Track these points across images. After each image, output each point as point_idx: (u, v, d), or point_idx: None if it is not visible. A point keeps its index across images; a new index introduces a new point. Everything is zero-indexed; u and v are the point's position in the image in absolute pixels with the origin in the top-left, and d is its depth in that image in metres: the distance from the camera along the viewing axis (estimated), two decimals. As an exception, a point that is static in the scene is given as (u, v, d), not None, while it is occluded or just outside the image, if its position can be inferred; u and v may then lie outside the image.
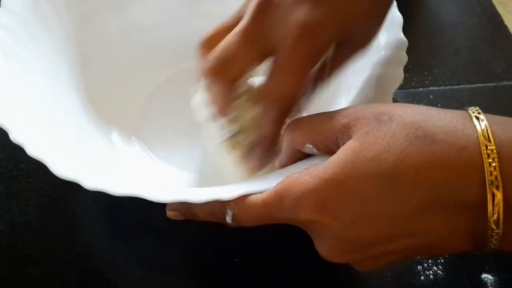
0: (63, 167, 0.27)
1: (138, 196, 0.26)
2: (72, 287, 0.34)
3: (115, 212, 0.37)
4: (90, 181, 0.27)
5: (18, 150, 0.40)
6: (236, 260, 0.35)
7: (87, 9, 0.39)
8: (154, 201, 0.26)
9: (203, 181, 0.37)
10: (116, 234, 0.37)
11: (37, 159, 0.27)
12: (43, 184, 0.38)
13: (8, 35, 0.33)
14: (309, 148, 0.26)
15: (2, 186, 0.38)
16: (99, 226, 0.37)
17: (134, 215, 0.37)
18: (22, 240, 0.36)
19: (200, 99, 0.32)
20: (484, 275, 0.34)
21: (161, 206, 0.37)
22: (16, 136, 0.28)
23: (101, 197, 0.38)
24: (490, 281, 0.34)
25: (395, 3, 0.34)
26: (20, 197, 0.37)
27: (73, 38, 0.38)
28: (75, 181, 0.27)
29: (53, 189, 0.38)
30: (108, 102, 0.39)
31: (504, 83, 0.45)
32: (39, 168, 0.39)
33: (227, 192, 0.26)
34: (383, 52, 0.33)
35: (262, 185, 0.26)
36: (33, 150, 0.27)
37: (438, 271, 0.34)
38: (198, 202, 0.26)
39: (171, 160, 0.38)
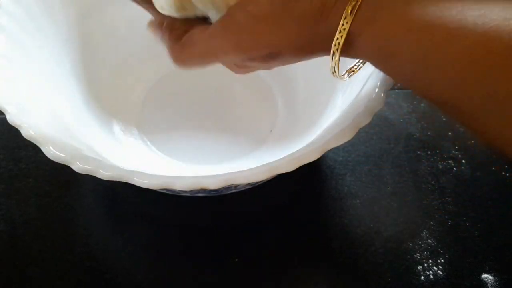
0: (55, 150, 0.27)
1: (124, 181, 0.27)
2: (72, 287, 0.34)
3: (116, 212, 0.38)
4: (80, 165, 0.27)
5: (18, 150, 0.40)
6: (236, 260, 0.35)
7: (92, 0, 0.40)
8: (140, 185, 0.26)
9: (198, 172, 0.38)
10: (116, 234, 0.37)
11: (32, 140, 0.28)
12: (43, 184, 0.38)
13: (13, 22, 0.33)
14: None
15: (2, 186, 0.38)
16: (99, 226, 0.37)
17: (135, 215, 0.37)
18: (22, 240, 0.36)
19: None
20: (484, 275, 0.34)
21: (163, 207, 0.37)
22: (13, 118, 0.28)
23: (101, 197, 0.38)
24: (490, 281, 0.34)
25: None
26: (20, 197, 0.38)
27: (77, 29, 0.39)
28: (65, 163, 0.27)
29: (53, 189, 0.38)
30: (110, 94, 0.40)
31: (504, 83, 0.45)
32: (39, 168, 0.39)
33: (212, 181, 0.27)
34: None
35: (250, 177, 0.27)
36: (29, 132, 0.28)
37: (438, 271, 0.34)
38: (182, 189, 0.27)
39: (169, 151, 0.39)
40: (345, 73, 0.29)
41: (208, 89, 0.43)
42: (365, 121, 0.29)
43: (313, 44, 0.25)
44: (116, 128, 0.39)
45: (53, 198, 0.38)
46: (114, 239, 0.36)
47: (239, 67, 0.29)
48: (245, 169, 0.28)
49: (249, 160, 0.38)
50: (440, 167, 0.39)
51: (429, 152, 0.40)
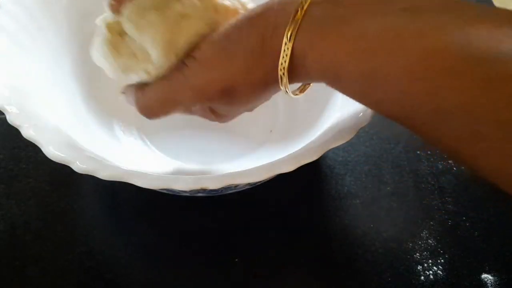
0: (55, 150, 0.27)
1: (124, 181, 0.27)
2: (72, 287, 0.34)
3: (115, 212, 0.38)
4: (80, 165, 0.27)
5: (18, 150, 0.40)
6: (236, 260, 0.35)
7: (92, 0, 0.40)
8: (140, 185, 0.27)
9: (198, 172, 0.38)
10: (116, 234, 0.37)
11: (32, 140, 0.28)
12: (43, 184, 0.38)
13: (13, 22, 0.33)
14: None
15: (2, 186, 0.38)
16: (99, 226, 0.37)
17: (135, 215, 0.37)
18: (22, 240, 0.36)
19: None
20: (484, 275, 0.34)
21: (163, 207, 0.37)
22: (13, 118, 0.28)
23: (101, 197, 0.38)
24: (490, 281, 0.34)
25: None
26: (20, 197, 0.38)
27: (77, 29, 0.39)
28: (66, 163, 0.27)
29: (53, 189, 0.38)
30: (110, 94, 0.40)
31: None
32: (39, 168, 0.39)
33: (212, 181, 0.27)
34: None
35: (250, 177, 0.27)
36: (29, 132, 0.28)
37: (438, 271, 0.34)
38: (182, 189, 0.27)
39: (169, 151, 0.39)
40: (296, 90, 0.30)
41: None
42: (365, 121, 0.29)
43: (266, 75, 0.26)
44: (116, 128, 0.39)
45: (53, 198, 0.38)
46: (114, 239, 0.36)
47: (211, 113, 0.31)
48: (245, 169, 0.28)
49: (249, 160, 0.38)
50: (440, 167, 0.39)
51: (429, 152, 0.40)
